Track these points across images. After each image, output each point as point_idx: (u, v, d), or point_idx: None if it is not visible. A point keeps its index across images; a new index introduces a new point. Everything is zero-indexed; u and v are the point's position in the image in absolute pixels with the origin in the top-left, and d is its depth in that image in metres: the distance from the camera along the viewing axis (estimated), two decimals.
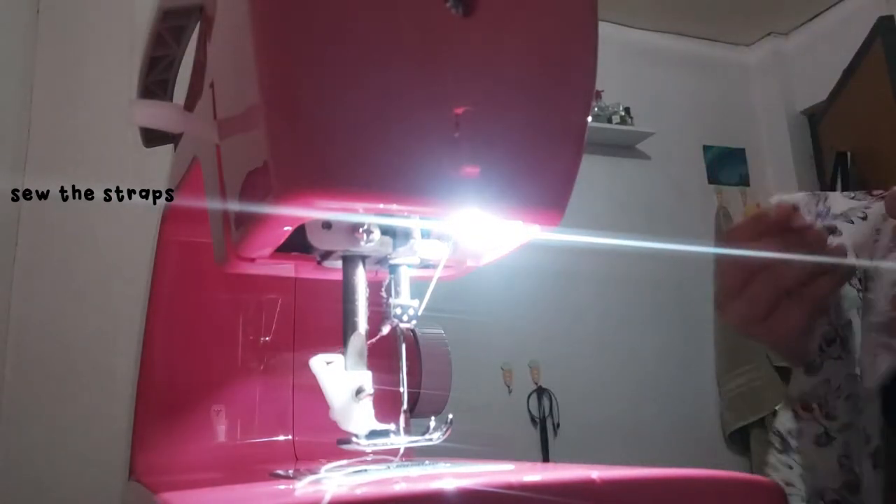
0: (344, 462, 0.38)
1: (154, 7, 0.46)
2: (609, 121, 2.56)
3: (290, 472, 0.40)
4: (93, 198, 1.15)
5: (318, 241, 0.36)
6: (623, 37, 2.73)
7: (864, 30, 2.10)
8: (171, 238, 0.55)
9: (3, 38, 1.22)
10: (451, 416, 0.39)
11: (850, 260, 0.42)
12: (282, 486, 0.36)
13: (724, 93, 2.91)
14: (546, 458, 2.24)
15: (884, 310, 0.41)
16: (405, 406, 0.39)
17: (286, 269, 0.39)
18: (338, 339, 0.36)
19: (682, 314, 2.53)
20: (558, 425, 2.29)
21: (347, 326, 0.36)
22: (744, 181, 2.85)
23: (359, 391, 0.35)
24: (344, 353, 0.36)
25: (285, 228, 0.33)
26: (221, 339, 0.55)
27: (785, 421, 0.45)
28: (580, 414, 2.31)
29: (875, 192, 0.46)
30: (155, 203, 0.56)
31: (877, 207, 0.44)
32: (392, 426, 0.36)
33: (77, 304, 1.22)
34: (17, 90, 1.26)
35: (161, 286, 0.54)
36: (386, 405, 0.38)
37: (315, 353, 0.35)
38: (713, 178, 2.78)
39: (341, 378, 0.35)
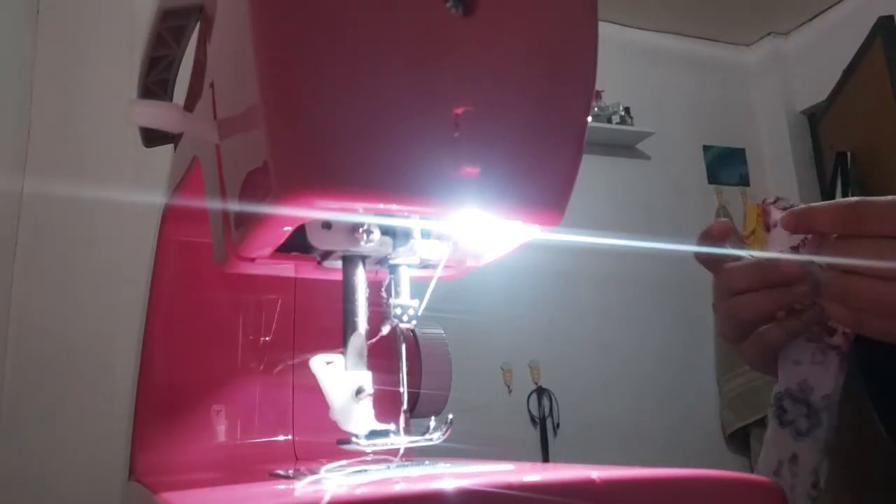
0: (344, 462, 0.38)
1: (154, 7, 0.46)
2: (609, 121, 2.57)
3: (290, 472, 0.40)
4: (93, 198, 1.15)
5: (318, 241, 0.36)
6: (623, 37, 2.73)
7: (864, 30, 2.10)
8: (171, 238, 0.55)
9: (3, 38, 1.22)
10: (451, 416, 0.39)
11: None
12: (282, 486, 0.36)
13: (724, 93, 2.91)
14: (546, 458, 2.24)
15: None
16: (405, 406, 0.39)
17: (286, 269, 0.39)
18: (338, 339, 0.36)
19: (682, 314, 2.53)
20: (558, 425, 2.29)
21: (347, 326, 0.36)
22: (744, 181, 2.85)
23: (359, 391, 0.35)
24: (344, 353, 0.36)
25: (285, 228, 0.33)
26: (221, 339, 0.55)
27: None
28: (580, 414, 2.31)
29: None
30: (155, 203, 0.56)
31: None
32: (392, 426, 0.36)
33: (77, 304, 1.22)
34: (17, 90, 1.26)
35: (161, 286, 0.54)
36: (386, 405, 0.38)
37: (315, 353, 0.35)
38: (713, 178, 2.78)
39: (341, 378, 0.35)
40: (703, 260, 0.47)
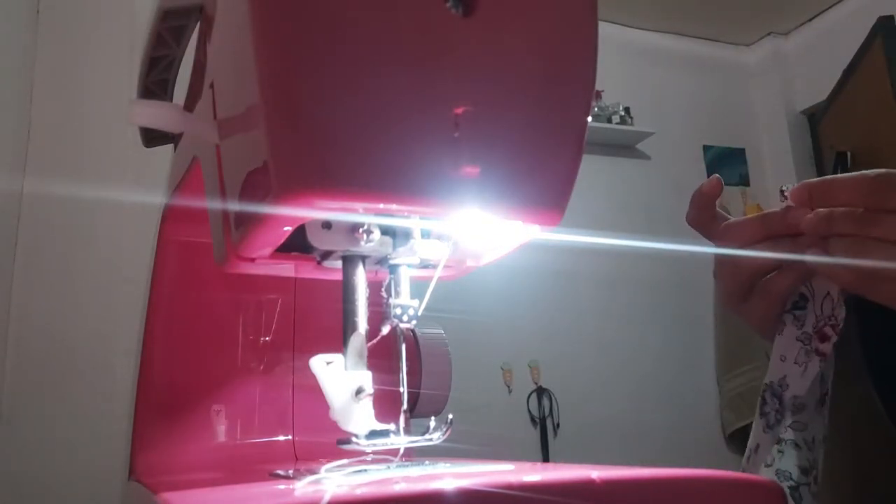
0: (344, 462, 0.38)
1: (154, 7, 0.46)
2: (609, 121, 2.57)
3: (290, 472, 0.40)
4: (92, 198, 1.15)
5: (318, 241, 0.36)
6: (623, 37, 2.73)
7: (864, 30, 2.10)
8: (171, 238, 0.55)
9: (3, 38, 1.22)
10: (451, 416, 0.39)
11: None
12: (282, 486, 0.36)
13: (724, 93, 2.91)
14: (546, 458, 2.24)
15: (811, 320, 0.42)
16: (405, 406, 0.39)
17: (286, 269, 0.39)
18: (338, 339, 0.36)
19: (682, 314, 2.53)
20: (558, 425, 2.29)
21: (347, 326, 0.36)
22: (744, 181, 2.85)
23: (359, 391, 0.35)
24: (344, 353, 0.36)
25: (285, 228, 0.33)
26: (221, 339, 0.55)
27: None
28: (580, 414, 2.31)
29: None
30: (155, 203, 0.57)
31: None
32: (392, 426, 0.36)
33: (77, 304, 1.22)
34: (17, 90, 1.26)
35: (161, 286, 0.54)
36: (386, 405, 0.38)
37: (315, 353, 0.35)
38: None
39: (341, 378, 0.35)
40: (696, 223, 0.46)
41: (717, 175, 0.47)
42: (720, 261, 0.46)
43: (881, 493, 0.46)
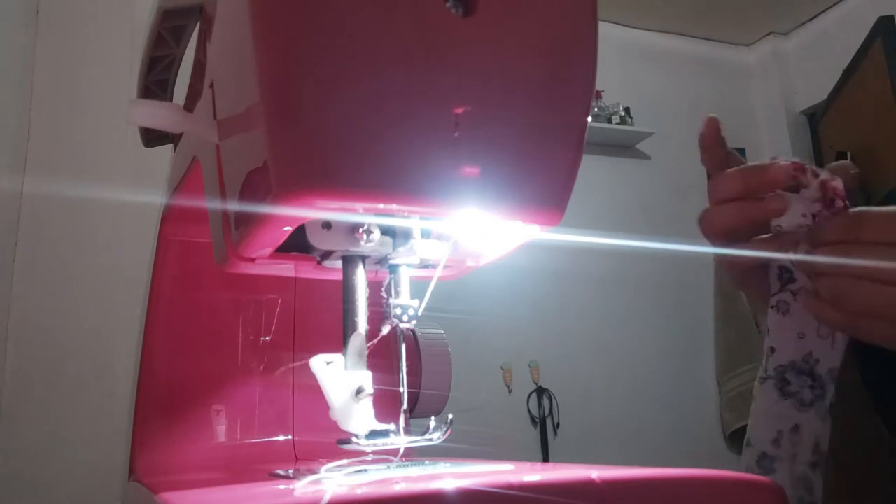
0: (344, 462, 0.38)
1: (154, 7, 0.46)
2: (609, 121, 2.56)
3: (290, 472, 0.40)
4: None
5: (318, 241, 0.36)
6: (623, 37, 2.73)
7: (864, 30, 2.10)
8: (171, 238, 0.55)
9: (3, 38, 1.22)
10: (451, 416, 0.39)
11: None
12: (282, 486, 0.36)
13: (724, 93, 2.91)
14: (546, 458, 2.24)
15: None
16: (405, 406, 0.39)
17: (286, 269, 0.39)
18: (338, 339, 0.36)
19: (682, 314, 2.53)
20: (558, 425, 2.29)
21: (347, 326, 0.36)
22: None
23: (359, 391, 0.35)
24: (344, 353, 0.36)
25: (285, 228, 0.33)
26: (221, 339, 0.55)
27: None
28: (580, 414, 2.31)
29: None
30: (155, 203, 0.57)
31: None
32: (392, 426, 0.36)
33: (77, 304, 1.22)
34: (17, 90, 1.26)
35: (161, 286, 0.54)
36: (386, 405, 0.38)
37: (315, 353, 0.35)
38: None
39: (341, 378, 0.35)
40: (710, 165, 0.47)
41: (713, 114, 0.47)
42: (712, 198, 0.46)
43: (860, 478, 0.47)
